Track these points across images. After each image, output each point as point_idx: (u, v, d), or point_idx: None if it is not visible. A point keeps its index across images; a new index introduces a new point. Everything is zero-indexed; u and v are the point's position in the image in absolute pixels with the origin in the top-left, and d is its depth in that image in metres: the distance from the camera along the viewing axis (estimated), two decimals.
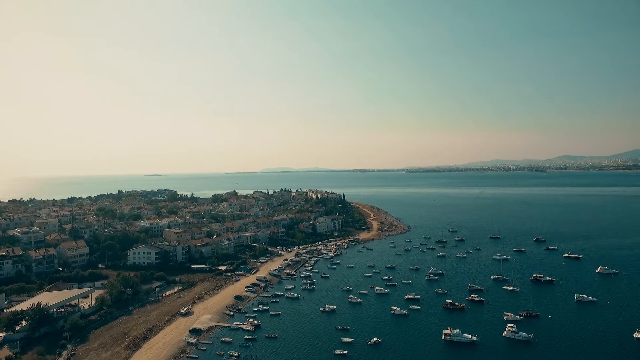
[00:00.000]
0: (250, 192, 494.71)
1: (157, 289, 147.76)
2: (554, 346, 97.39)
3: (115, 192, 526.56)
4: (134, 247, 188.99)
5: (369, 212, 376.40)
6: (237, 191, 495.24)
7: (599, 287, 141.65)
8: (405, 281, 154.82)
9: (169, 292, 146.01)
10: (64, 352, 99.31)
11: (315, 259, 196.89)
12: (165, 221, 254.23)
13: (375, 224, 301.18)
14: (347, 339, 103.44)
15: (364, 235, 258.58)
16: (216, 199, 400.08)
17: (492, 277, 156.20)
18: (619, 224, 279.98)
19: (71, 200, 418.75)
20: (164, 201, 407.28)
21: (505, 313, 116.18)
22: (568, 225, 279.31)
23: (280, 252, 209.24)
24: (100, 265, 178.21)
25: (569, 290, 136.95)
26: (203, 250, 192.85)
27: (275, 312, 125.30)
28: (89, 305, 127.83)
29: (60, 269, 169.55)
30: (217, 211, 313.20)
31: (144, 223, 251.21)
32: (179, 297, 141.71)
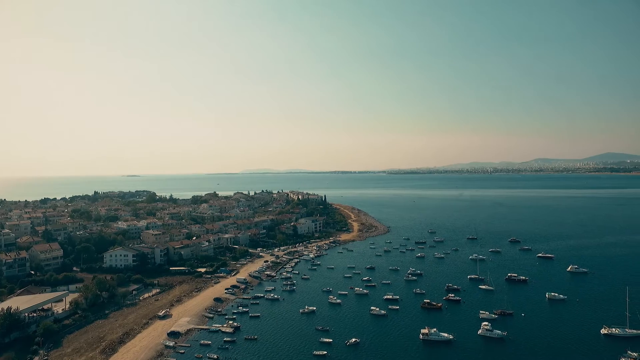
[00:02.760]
0: (231, 193, 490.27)
1: (134, 292, 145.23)
2: (526, 343, 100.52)
3: (90, 193, 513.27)
4: (110, 249, 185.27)
5: (349, 213, 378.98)
6: (217, 192, 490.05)
7: (570, 285, 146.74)
8: (384, 282, 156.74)
9: (146, 295, 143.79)
10: (36, 358, 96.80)
11: (296, 260, 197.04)
12: (143, 223, 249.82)
13: (355, 225, 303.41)
14: (327, 340, 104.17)
15: (344, 237, 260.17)
16: (196, 200, 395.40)
17: (469, 276, 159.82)
18: (589, 225, 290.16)
19: (44, 201, 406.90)
20: (141, 202, 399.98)
21: (481, 312, 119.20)
22: (542, 226, 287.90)
23: (260, 253, 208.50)
24: (75, 269, 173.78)
25: (541, 288, 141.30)
26: (182, 252, 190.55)
27: (255, 314, 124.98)
28: (62, 310, 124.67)
29: (33, 272, 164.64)
30: (197, 213, 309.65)
31: (121, 225, 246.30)
32: (157, 299, 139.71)
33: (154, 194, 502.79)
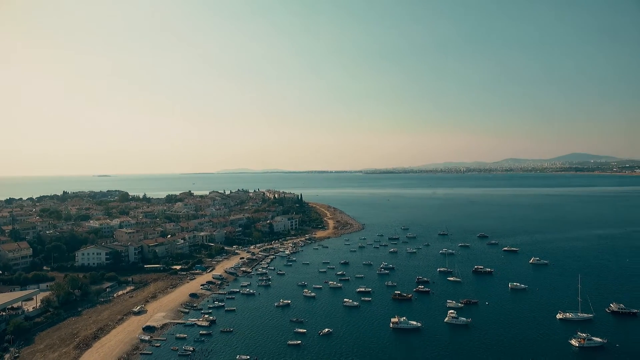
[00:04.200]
0: (207, 192, 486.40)
1: (108, 289, 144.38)
2: (489, 328, 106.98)
3: (59, 193, 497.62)
4: (82, 247, 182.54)
5: (325, 211, 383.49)
6: (192, 192, 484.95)
7: (531, 275, 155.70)
8: (358, 275, 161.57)
9: (121, 292, 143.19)
10: (7, 355, 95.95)
11: (272, 256, 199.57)
12: (116, 221, 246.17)
13: (331, 223, 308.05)
14: (301, 330, 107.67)
15: (320, 234, 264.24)
16: (170, 199, 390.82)
17: (438, 269, 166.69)
18: (553, 221, 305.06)
19: (10, 201, 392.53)
20: (114, 202, 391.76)
21: (448, 301, 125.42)
22: (509, 222, 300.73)
23: (236, 251, 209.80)
24: (45, 268, 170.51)
25: (504, 279, 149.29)
26: (157, 250, 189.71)
27: (231, 308, 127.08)
28: (33, 308, 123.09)
29: (1, 272, 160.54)
30: (172, 211, 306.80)
31: (93, 224, 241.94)
32: (132, 296, 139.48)
33: (127, 193, 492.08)
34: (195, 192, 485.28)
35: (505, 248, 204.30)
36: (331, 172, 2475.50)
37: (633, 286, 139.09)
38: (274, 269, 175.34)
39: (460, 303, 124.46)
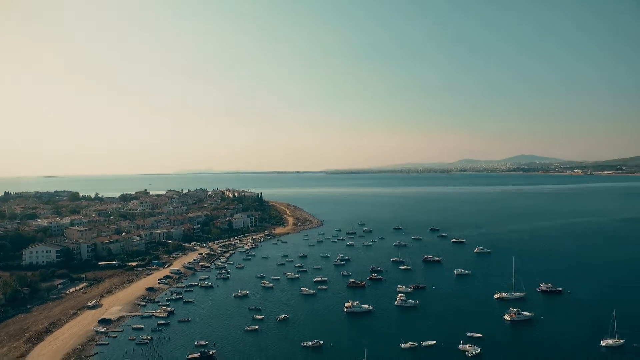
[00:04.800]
0: (163, 192, 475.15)
1: (59, 286, 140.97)
2: (434, 309, 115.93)
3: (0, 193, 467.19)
4: (30, 246, 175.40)
5: (285, 209, 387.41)
6: (148, 192, 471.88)
7: (475, 263, 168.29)
8: (315, 267, 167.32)
9: (73, 289, 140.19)
10: None
11: (231, 252, 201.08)
12: (67, 219, 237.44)
13: (291, 220, 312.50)
14: (259, 316, 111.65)
15: (279, 230, 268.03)
16: (125, 197, 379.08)
17: (391, 259, 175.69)
18: (498, 215, 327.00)
19: None
20: (64, 201, 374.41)
21: (399, 286, 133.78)
22: (459, 217, 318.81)
23: (195, 247, 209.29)
24: None
25: (451, 266, 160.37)
26: (111, 247, 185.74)
27: (189, 300, 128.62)
28: None
29: None
30: (127, 209, 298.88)
31: (42, 222, 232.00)
32: (85, 292, 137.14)
33: (77, 193, 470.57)
34: (152, 192, 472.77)
35: (454, 239, 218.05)
36: (293, 172, 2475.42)
37: (560, 268, 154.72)
38: (233, 263, 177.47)
39: (410, 288, 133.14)
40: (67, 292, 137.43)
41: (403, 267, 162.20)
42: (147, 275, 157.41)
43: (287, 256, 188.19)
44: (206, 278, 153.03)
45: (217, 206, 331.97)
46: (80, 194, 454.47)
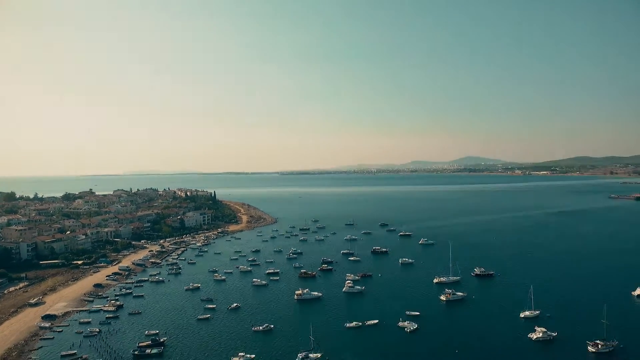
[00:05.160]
0: (110, 192, 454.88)
1: None
2: (378, 293, 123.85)
3: None
4: None
5: (239, 208, 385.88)
6: (94, 192, 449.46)
7: (419, 253, 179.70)
8: (268, 260, 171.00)
9: (12, 288, 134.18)
10: None
11: (183, 249, 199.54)
12: (3, 219, 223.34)
13: (244, 218, 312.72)
14: (210, 306, 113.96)
15: (233, 227, 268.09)
16: (68, 197, 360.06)
17: (342, 252, 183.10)
18: (443, 211, 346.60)
19: None
20: None
21: (347, 275, 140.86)
22: (408, 213, 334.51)
23: (145, 245, 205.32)
24: None
25: (397, 256, 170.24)
26: (54, 246, 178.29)
27: (139, 294, 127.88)
28: None
29: None
30: (70, 209, 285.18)
31: None
32: (26, 291, 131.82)
33: (13, 193, 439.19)
34: (98, 192, 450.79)
35: (401, 233, 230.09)
36: (247, 173, 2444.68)
37: (493, 255, 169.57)
38: (185, 259, 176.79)
39: (357, 276, 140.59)
40: (6, 291, 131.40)
41: (352, 259, 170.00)
42: (94, 272, 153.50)
43: (240, 251, 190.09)
44: (157, 274, 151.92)
45: (168, 205, 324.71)
46: (17, 194, 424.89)
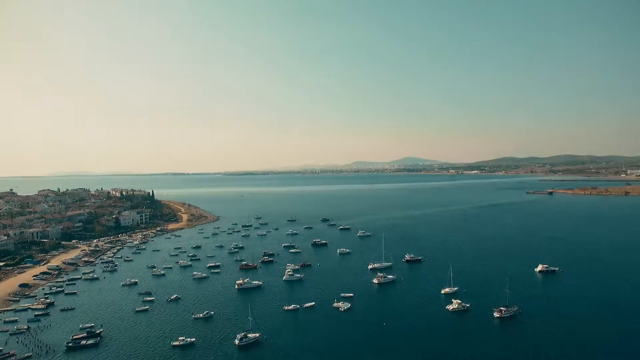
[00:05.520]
0: (35, 193, 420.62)
1: None
2: (316, 280, 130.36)
3: None
4: None
5: (180, 207, 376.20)
6: (15, 192, 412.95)
7: (357, 244, 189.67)
8: (209, 255, 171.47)
9: None
10: None
11: (119, 248, 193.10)
12: None
13: (185, 217, 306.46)
14: (149, 298, 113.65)
15: (173, 226, 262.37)
16: None
17: (283, 245, 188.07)
18: (382, 206, 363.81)
19: None
20: None
21: (287, 265, 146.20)
22: (348, 208, 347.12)
23: (77, 245, 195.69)
24: None
25: (336, 247, 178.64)
26: None
27: (72, 292, 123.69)
28: None
29: None
30: None
31: None
32: None
33: None
34: (20, 194, 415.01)
35: (341, 227, 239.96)
36: (188, 173, 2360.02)
37: (423, 243, 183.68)
38: (121, 257, 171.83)
39: (297, 266, 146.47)
40: None
41: (293, 251, 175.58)
42: (18, 273, 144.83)
43: (180, 248, 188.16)
44: (91, 272, 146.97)
45: (102, 204, 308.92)
46: None
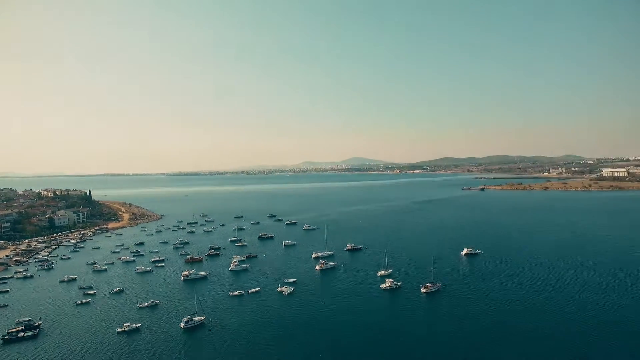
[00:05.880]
0: None
1: None
2: (262, 269, 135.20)
3: None
4: None
5: (120, 207, 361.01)
6: None
7: (302, 236, 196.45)
8: (153, 251, 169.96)
9: None
10: None
11: (54, 247, 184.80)
12: None
13: (126, 216, 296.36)
14: (90, 292, 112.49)
15: (113, 225, 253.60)
16: None
17: (229, 239, 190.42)
18: (328, 203, 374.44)
19: None
20: None
21: (234, 256, 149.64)
22: (295, 205, 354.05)
23: (5, 245, 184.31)
24: None
25: (280, 241, 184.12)
26: None
27: (3, 290, 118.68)
28: None
29: None
30: None
31: None
32: None
33: None
34: None
35: (287, 222, 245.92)
36: (129, 174, 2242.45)
37: (363, 234, 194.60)
38: (57, 256, 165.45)
39: (243, 257, 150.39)
40: None
41: (239, 244, 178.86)
42: None
43: (122, 245, 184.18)
44: (24, 270, 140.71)
45: (32, 204, 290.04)
46: None
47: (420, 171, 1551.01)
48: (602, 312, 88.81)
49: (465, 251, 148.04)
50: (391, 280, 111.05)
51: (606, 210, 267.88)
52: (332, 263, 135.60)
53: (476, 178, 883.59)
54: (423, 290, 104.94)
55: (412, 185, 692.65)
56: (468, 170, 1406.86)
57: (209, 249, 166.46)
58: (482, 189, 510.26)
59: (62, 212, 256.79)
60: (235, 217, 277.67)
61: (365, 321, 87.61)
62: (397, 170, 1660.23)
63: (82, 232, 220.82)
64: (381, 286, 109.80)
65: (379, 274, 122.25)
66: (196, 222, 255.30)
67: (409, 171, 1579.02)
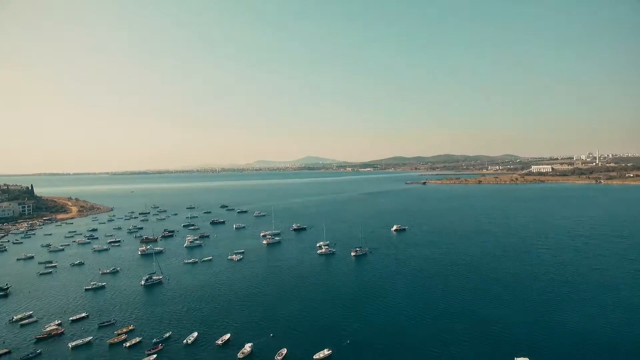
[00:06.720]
0: None
1: None
2: (214, 244, 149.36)
3: None
4: None
5: (66, 202, 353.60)
6: None
7: (252, 221, 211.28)
8: (108, 234, 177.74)
9: None
10: None
11: (2, 234, 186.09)
12: None
13: (75, 208, 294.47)
14: (51, 265, 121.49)
15: (62, 216, 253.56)
16: None
17: (182, 225, 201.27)
18: (279, 195, 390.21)
19: None
20: None
21: (187, 236, 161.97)
22: (245, 197, 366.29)
23: None
24: None
25: (232, 225, 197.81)
26: None
27: None
28: None
29: None
30: None
31: None
32: None
33: None
34: None
35: (239, 210, 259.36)
36: (69, 174, 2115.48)
37: (309, 218, 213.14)
38: (9, 241, 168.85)
39: (197, 237, 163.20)
40: None
41: (192, 228, 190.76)
42: None
43: (75, 231, 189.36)
44: None
45: None
46: None
47: (372, 169, 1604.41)
48: (483, 260, 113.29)
49: (395, 227, 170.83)
50: (327, 247, 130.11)
51: (513, 197, 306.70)
52: (277, 238, 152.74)
53: (421, 175, 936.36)
54: (353, 253, 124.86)
55: (362, 181, 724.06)
56: (416, 168, 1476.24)
57: (163, 231, 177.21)
58: (424, 183, 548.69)
59: (5, 203, 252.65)
60: (187, 208, 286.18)
61: (302, 278, 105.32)
62: (350, 169, 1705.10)
63: (30, 222, 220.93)
64: (318, 252, 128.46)
65: (317, 244, 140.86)
66: (148, 212, 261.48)
67: (361, 169, 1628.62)
